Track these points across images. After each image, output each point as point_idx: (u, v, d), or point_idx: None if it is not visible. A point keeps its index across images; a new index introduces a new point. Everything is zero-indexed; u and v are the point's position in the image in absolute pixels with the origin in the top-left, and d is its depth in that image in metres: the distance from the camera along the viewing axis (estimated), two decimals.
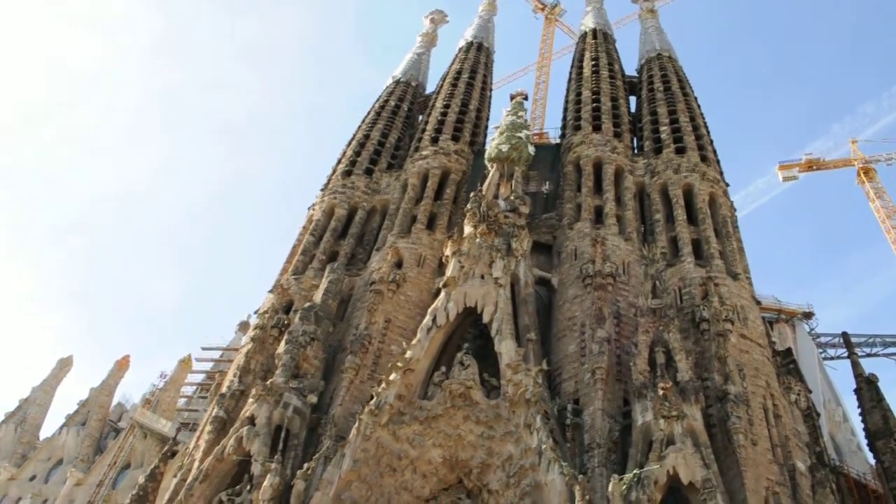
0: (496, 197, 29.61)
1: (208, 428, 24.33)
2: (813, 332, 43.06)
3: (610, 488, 19.12)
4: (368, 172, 37.40)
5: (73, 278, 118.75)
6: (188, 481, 22.44)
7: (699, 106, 38.37)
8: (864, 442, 29.81)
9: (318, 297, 28.35)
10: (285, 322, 27.84)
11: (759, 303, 29.29)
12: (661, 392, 21.13)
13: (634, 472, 19.75)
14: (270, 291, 31.53)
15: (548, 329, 26.49)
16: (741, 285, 28.04)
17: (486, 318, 24.36)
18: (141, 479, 25.59)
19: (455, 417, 22.32)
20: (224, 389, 26.00)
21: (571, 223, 30.76)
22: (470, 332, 25.00)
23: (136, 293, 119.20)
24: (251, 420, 23.04)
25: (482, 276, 25.44)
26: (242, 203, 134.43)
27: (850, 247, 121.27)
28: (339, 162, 38.78)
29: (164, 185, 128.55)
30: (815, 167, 71.41)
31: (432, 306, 25.54)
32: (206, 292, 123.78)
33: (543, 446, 20.63)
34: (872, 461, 29.30)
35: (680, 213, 30.62)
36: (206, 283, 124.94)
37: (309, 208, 36.62)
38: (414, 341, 24.18)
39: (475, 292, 25.03)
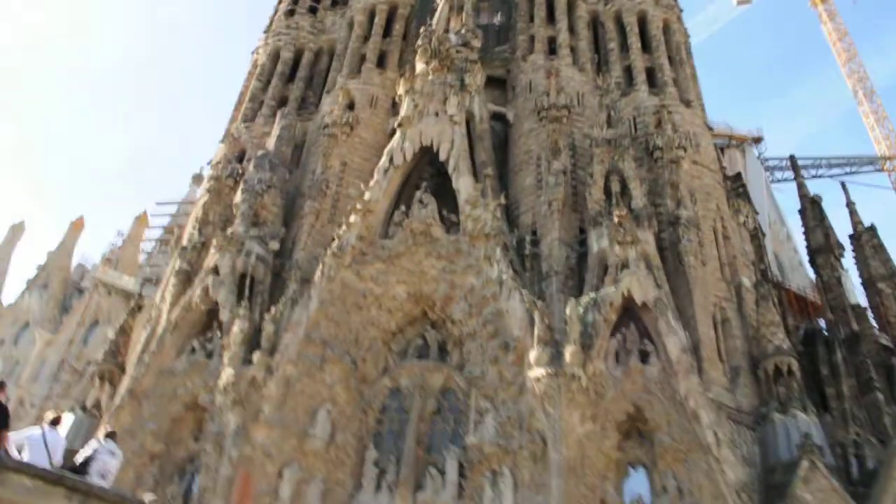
0: (447, 31, 28.53)
1: (173, 280, 24.40)
2: (762, 156, 43.95)
3: (567, 311, 19.98)
4: (312, 11, 35.61)
5: (14, 143, 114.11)
6: (158, 332, 22.85)
7: None
8: (805, 259, 31.34)
9: (270, 144, 27.81)
10: (239, 171, 27.49)
11: (711, 129, 29.60)
12: (616, 219, 21.69)
13: (591, 295, 20.66)
14: (222, 141, 30.82)
15: (504, 164, 26.55)
16: (694, 112, 28.15)
17: (442, 156, 24.28)
18: (111, 334, 26.00)
19: (417, 254, 22.72)
20: (185, 242, 25.90)
21: (525, 55, 30.06)
22: (427, 171, 25.00)
23: (81, 155, 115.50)
24: (215, 270, 23.15)
25: (437, 114, 25.08)
26: (184, 52, 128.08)
27: (800, 72, 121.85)
28: (280, 1, 36.77)
29: (97, 37, 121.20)
30: None
31: (388, 147, 25.31)
32: (155, 147, 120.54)
33: (504, 276, 21.27)
34: (812, 276, 30.90)
35: (634, 42, 30.12)
36: (155, 137, 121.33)
37: (253, 52, 35.06)
38: (372, 183, 24.15)
39: (431, 130, 24.75)
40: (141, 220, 50.47)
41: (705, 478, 17.99)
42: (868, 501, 18.44)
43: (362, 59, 31.67)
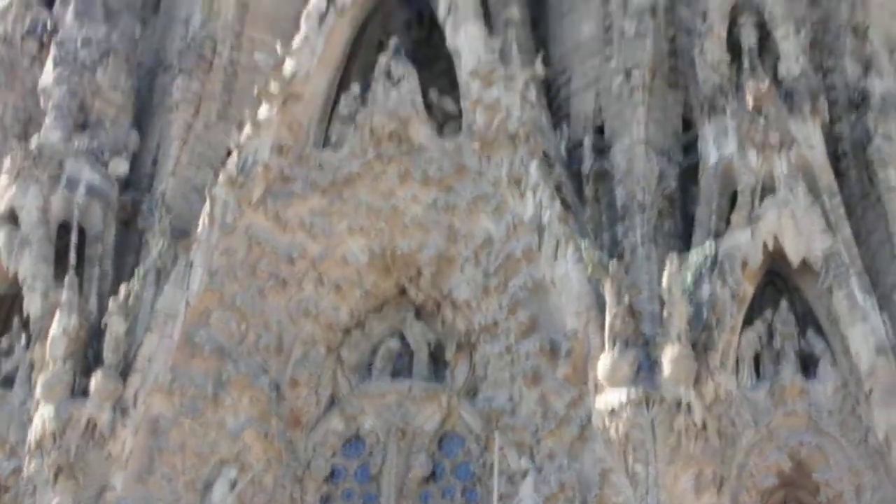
0: None
1: None
2: None
3: (664, 280, 17.34)
4: None
5: None
6: None
7: None
8: None
9: None
10: (46, 25, 24.15)
11: None
12: (751, 100, 19.31)
13: (707, 246, 18.31)
14: None
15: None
16: None
17: None
18: None
19: (384, 177, 19.95)
20: None
21: None
22: (398, 17, 22.50)
23: None
24: (11, 217, 20.45)
25: None
26: None
27: None
28: None
29: None
30: None
31: None
32: None
33: (545, 215, 18.83)
34: None
35: None
36: None
37: None
38: (296, 42, 20.97)
39: None
40: None
41: None
42: None
43: None
